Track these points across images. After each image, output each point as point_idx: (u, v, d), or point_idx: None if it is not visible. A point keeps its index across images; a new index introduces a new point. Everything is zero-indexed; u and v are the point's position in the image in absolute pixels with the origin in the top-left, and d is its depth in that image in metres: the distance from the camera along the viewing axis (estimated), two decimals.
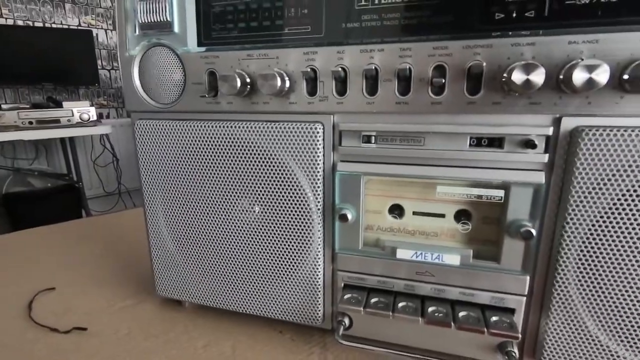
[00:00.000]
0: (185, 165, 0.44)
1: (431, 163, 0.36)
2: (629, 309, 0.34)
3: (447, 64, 0.33)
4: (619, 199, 0.31)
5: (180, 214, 0.46)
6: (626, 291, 0.33)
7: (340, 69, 0.36)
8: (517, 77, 0.30)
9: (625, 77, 0.29)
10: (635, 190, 0.31)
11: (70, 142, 2.24)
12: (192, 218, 0.46)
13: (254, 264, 0.45)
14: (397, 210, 0.40)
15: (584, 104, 0.31)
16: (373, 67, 0.35)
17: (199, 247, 0.47)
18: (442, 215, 0.39)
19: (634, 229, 0.32)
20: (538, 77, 0.29)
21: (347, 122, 0.38)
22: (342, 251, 0.42)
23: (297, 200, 0.41)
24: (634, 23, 0.29)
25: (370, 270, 0.41)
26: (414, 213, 0.40)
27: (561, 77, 0.30)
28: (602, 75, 0.28)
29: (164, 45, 0.41)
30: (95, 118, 2.28)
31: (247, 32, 0.39)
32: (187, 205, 0.46)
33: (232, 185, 0.43)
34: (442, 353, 0.40)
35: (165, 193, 0.46)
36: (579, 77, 0.28)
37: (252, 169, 0.41)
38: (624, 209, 0.32)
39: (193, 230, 0.46)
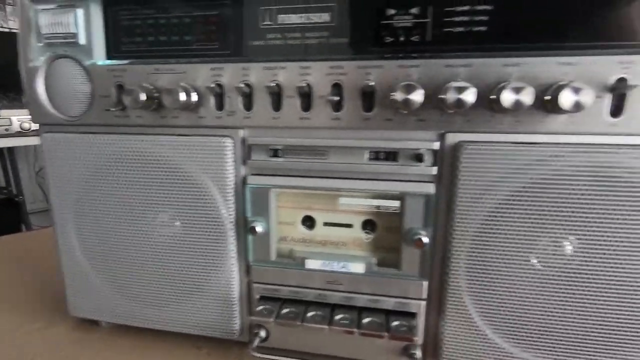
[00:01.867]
0: (95, 180, 0.43)
1: (334, 176, 0.38)
2: (514, 307, 0.37)
3: (343, 83, 0.35)
4: (497, 207, 0.35)
5: (92, 230, 0.44)
6: (510, 291, 0.36)
7: (245, 85, 0.37)
8: (399, 96, 0.32)
9: (493, 97, 0.32)
10: (512, 197, 0.34)
11: (9, 152, 2.08)
12: (105, 234, 0.44)
13: (169, 279, 0.44)
14: (309, 222, 0.42)
15: (463, 121, 0.34)
16: (276, 84, 0.36)
17: (113, 263, 0.45)
18: (350, 226, 0.41)
19: (512, 233, 0.35)
20: (417, 96, 0.32)
21: (255, 137, 0.39)
22: (256, 263, 0.42)
23: (210, 214, 0.41)
24: (501, 50, 0.33)
25: (284, 281, 0.42)
26: (325, 224, 0.41)
27: (441, 96, 0.33)
28: (471, 96, 0.31)
29: (69, 57, 0.40)
30: (37, 127, 2.14)
31: (156, 47, 0.40)
32: (99, 221, 0.44)
33: (144, 200, 0.42)
34: (350, 359, 0.42)
35: (76, 209, 0.44)
36: (451, 97, 0.31)
37: (164, 183, 0.41)
38: (502, 216, 0.35)
39: (106, 247, 0.45)
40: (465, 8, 0.33)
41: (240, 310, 0.43)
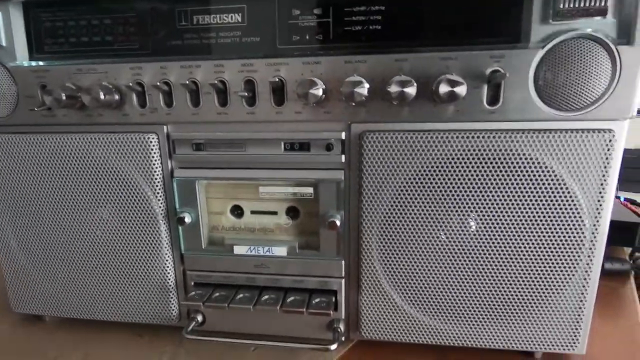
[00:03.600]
0: (28, 179, 0.44)
1: (254, 166, 0.41)
2: (422, 279, 0.41)
3: (255, 79, 0.38)
4: (402, 189, 0.38)
5: (28, 227, 0.46)
6: (418, 264, 0.40)
7: (164, 83, 0.39)
8: (300, 91, 0.35)
9: (387, 89, 0.35)
10: (414, 180, 0.38)
11: None
12: (41, 230, 0.46)
13: (106, 270, 0.46)
14: (237, 211, 0.44)
15: (365, 112, 0.37)
16: (192, 82, 0.38)
17: (51, 259, 0.46)
18: (275, 213, 0.43)
19: (417, 213, 0.38)
20: (317, 91, 0.35)
21: (178, 132, 0.41)
22: (189, 252, 0.44)
23: (142, 208, 0.43)
24: (393, 47, 0.36)
25: (215, 268, 0.45)
26: (252, 212, 0.44)
27: (340, 89, 0.36)
28: (364, 90, 0.34)
29: None
30: None
31: (78, 47, 0.41)
32: (35, 219, 0.45)
33: (77, 197, 0.43)
34: (284, 336, 0.44)
35: (11, 207, 0.45)
36: (346, 90, 0.34)
37: (95, 179, 0.42)
38: (407, 197, 0.38)
39: (44, 243, 0.46)
40: (362, 9, 0.36)
41: (177, 297, 0.46)
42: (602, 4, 0.32)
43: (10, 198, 0.45)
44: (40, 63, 0.41)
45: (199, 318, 0.45)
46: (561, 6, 0.32)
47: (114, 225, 0.44)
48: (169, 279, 0.45)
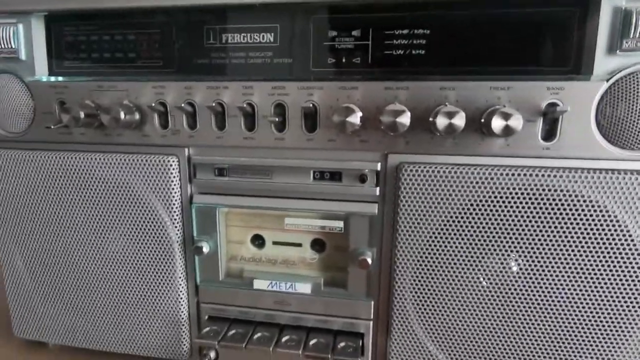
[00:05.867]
0: (40, 198, 0.41)
1: (280, 195, 0.38)
2: (460, 326, 0.37)
3: (286, 103, 0.35)
4: (441, 227, 0.35)
5: (37, 249, 0.43)
6: (457, 309, 0.37)
7: (188, 104, 0.37)
8: (337, 118, 0.32)
9: (431, 119, 0.33)
10: (455, 217, 0.34)
11: None
12: (50, 252, 0.43)
13: (116, 299, 0.43)
14: (258, 241, 0.41)
15: (404, 142, 0.34)
16: (219, 104, 0.36)
17: (59, 284, 0.44)
18: (299, 245, 0.40)
19: (457, 253, 0.35)
20: (354, 119, 0.32)
21: (200, 155, 0.38)
22: (204, 283, 0.41)
23: (157, 233, 0.40)
24: (438, 73, 0.33)
25: (232, 302, 0.41)
26: (274, 243, 0.41)
27: (380, 119, 0.33)
28: (406, 119, 0.31)
29: (9, 72, 0.39)
30: None
31: (100, 63, 0.39)
32: (43, 241, 0.43)
33: (90, 219, 0.41)
34: None
35: (20, 227, 0.43)
36: (387, 119, 0.31)
37: (109, 201, 0.40)
38: (446, 235, 0.35)
39: (52, 265, 0.43)
40: (405, 32, 0.33)
41: (189, 331, 0.43)
42: None
43: (20, 216, 0.42)
44: (60, 78, 0.39)
45: (212, 355, 0.42)
46: (631, 35, 0.29)
47: (127, 251, 0.41)
48: (182, 312, 0.42)
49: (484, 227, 0.34)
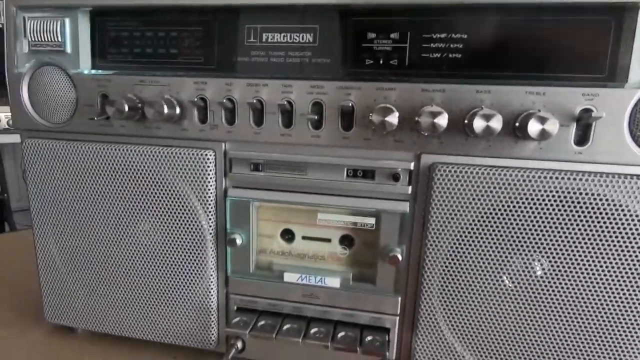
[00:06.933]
0: (77, 187, 0.43)
1: (313, 191, 0.39)
2: (484, 325, 0.38)
3: (324, 102, 0.36)
4: (470, 226, 0.36)
5: (72, 236, 0.44)
6: (483, 309, 0.37)
7: (228, 100, 0.38)
8: (376, 118, 0.33)
9: (466, 122, 0.33)
10: (484, 218, 0.35)
11: None
12: (84, 241, 0.44)
13: (147, 287, 0.44)
14: (288, 235, 0.42)
15: (438, 143, 0.35)
16: (258, 101, 0.37)
17: (92, 270, 0.45)
18: (329, 240, 0.41)
19: (484, 253, 0.36)
20: (393, 119, 0.33)
21: (236, 150, 0.40)
22: (235, 275, 0.42)
23: (191, 225, 0.41)
24: (474, 77, 0.34)
25: (262, 293, 0.42)
26: (303, 237, 0.42)
27: (416, 119, 0.34)
28: (444, 121, 0.32)
29: (55, 65, 0.41)
30: None
31: (142, 58, 0.40)
32: (79, 227, 0.44)
33: (126, 209, 0.42)
34: None
35: (56, 215, 0.44)
36: (425, 121, 0.32)
37: (146, 192, 0.41)
38: (474, 235, 0.36)
39: (86, 254, 0.45)
40: (442, 35, 0.34)
41: (217, 321, 0.44)
42: None
43: (57, 205, 0.44)
44: (103, 72, 0.41)
45: (239, 345, 0.43)
46: None
47: (161, 241, 0.42)
48: (212, 302, 0.43)
49: (513, 229, 0.35)
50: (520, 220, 0.35)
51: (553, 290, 0.36)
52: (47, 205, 0.44)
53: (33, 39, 0.41)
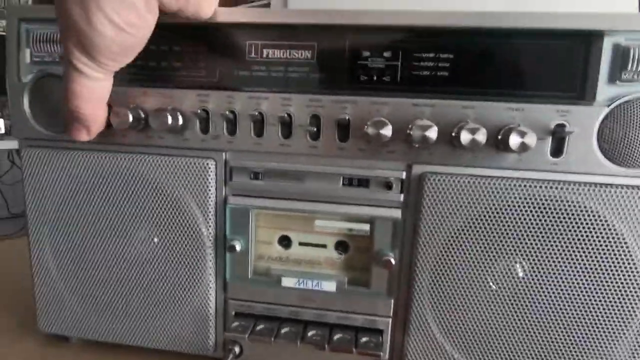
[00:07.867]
0: (77, 195, 0.43)
1: (310, 199, 0.41)
2: (471, 325, 0.40)
3: (321, 115, 0.39)
4: (457, 232, 0.38)
5: (69, 246, 0.45)
6: (470, 310, 0.40)
7: (229, 112, 0.39)
8: (371, 130, 0.36)
9: (453, 134, 0.36)
10: (469, 224, 0.38)
11: None
12: (82, 249, 0.45)
13: (145, 295, 0.45)
14: (285, 241, 0.44)
15: (428, 154, 0.38)
16: (258, 113, 0.39)
17: (89, 278, 0.45)
18: (324, 246, 0.43)
19: (470, 257, 0.39)
20: (386, 131, 0.36)
21: (237, 160, 0.41)
22: (233, 280, 0.44)
23: (191, 232, 0.42)
24: (460, 93, 0.37)
25: (259, 298, 0.44)
26: (300, 243, 0.44)
27: (408, 132, 0.37)
28: (433, 133, 0.35)
29: (57, 76, 0.41)
30: (2, 131, 2.06)
31: (145, 71, 0.42)
32: (77, 237, 0.44)
33: (125, 217, 0.43)
34: None
35: (53, 222, 0.45)
36: (416, 133, 0.35)
37: (146, 200, 0.42)
38: (461, 240, 0.38)
39: (83, 262, 0.45)
40: (431, 55, 0.37)
41: (215, 326, 0.45)
42: None
43: (53, 212, 0.44)
44: None
45: (237, 350, 0.44)
46: (629, 68, 0.34)
47: (159, 248, 0.43)
48: (210, 307, 0.44)
49: (496, 234, 0.38)
50: (503, 225, 0.38)
51: (533, 292, 0.38)
52: (45, 214, 0.45)
53: (35, 51, 0.42)
